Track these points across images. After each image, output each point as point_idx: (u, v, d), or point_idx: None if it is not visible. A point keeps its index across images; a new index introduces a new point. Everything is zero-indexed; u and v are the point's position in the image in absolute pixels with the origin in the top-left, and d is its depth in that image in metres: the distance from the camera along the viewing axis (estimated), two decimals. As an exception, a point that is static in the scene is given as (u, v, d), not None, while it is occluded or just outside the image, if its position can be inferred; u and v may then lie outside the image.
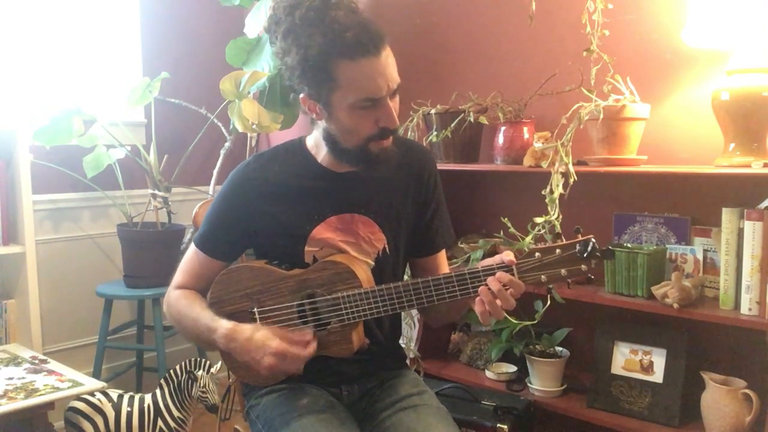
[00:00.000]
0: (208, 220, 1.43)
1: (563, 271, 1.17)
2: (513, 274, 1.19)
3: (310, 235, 1.37)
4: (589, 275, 1.18)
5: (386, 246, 1.40)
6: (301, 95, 1.30)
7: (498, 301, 1.18)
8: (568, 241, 1.18)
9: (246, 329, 1.28)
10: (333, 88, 1.23)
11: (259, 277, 1.36)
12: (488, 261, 1.24)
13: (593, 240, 1.16)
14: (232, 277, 1.39)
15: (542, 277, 1.18)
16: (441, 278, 1.24)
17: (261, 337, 1.25)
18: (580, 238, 1.18)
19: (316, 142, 1.40)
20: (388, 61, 1.24)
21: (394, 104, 1.28)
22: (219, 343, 1.32)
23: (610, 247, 1.17)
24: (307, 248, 1.37)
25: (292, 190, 1.38)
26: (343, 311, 1.29)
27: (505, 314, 1.21)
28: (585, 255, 1.16)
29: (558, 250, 1.17)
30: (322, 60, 1.20)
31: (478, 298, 1.20)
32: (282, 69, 1.29)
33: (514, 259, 1.20)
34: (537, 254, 1.18)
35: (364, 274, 1.33)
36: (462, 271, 1.23)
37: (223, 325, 1.30)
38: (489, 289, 1.18)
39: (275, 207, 1.37)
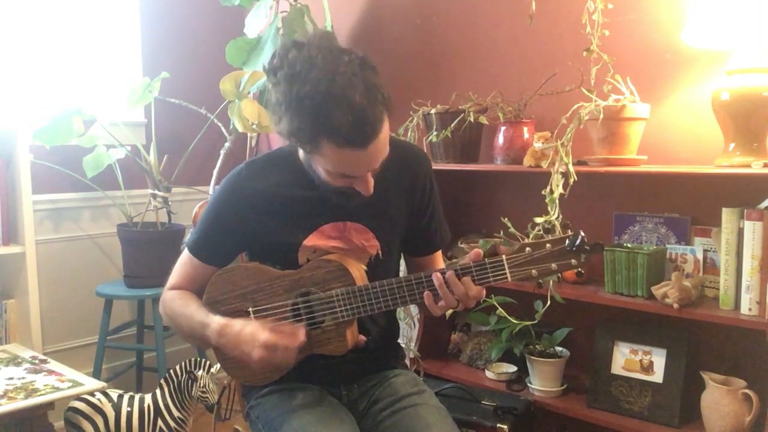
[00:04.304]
0: (202, 226, 1.44)
1: (554, 266, 1.19)
2: (472, 275, 1.24)
3: (302, 244, 1.38)
4: (580, 270, 1.20)
5: (379, 252, 1.42)
6: None
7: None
8: (558, 236, 1.20)
9: (237, 323, 1.30)
10: (315, 153, 1.23)
11: (253, 276, 1.37)
12: (467, 259, 1.27)
13: (582, 234, 1.18)
14: (227, 277, 1.39)
15: (533, 271, 1.20)
16: (431, 274, 1.25)
17: (251, 330, 1.27)
18: (569, 233, 1.20)
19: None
20: (377, 147, 1.20)
21: (374, 171, 1.27)
22: (211, 339, 1.33)
23: (599, 242, 1.19)
24: (300, 253, 1.38)
25: (285, 200, 1.38)
26: (337, 309, 1.30)
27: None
28: (574, 249, 1.17)
29: (548, 245, 1.19)
30: (309, 136, 1.19)
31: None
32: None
33: (479, 255, 1.24)
34: (527, 249, 1.20)
35: (357, 271, 1.34)
36: (454, 266, 1.25)
37: (216, 320, 1.32)
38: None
39: (267, 217, 1.38)
